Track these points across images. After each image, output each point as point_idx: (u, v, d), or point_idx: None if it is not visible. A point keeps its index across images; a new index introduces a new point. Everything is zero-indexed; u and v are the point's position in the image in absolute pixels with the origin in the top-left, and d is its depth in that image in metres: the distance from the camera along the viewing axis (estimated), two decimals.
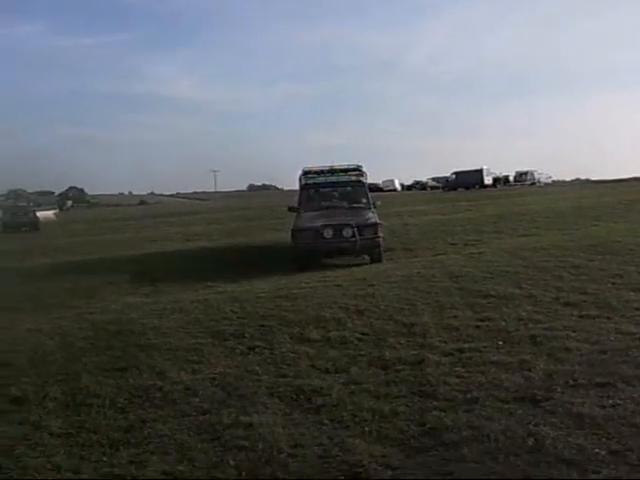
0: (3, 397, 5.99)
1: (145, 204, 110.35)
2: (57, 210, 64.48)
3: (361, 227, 14.14)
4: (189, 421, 5.24)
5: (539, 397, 5.08)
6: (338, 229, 14.07)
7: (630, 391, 5.03)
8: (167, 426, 5.16)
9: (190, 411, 5.46)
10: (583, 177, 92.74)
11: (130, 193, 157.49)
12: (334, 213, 15.14)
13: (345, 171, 16.41)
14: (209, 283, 12.13)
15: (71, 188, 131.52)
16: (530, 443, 4.23)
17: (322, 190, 16.44)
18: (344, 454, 4.34)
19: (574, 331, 6.98)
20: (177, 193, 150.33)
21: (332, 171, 16.44)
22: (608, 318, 7.48)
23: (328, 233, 14.02)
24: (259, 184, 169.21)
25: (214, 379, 6.20)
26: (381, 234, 14.18)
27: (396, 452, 4.34)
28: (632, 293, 8.73)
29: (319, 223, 14.26)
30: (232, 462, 4.39)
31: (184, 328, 8.15)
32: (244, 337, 7.59)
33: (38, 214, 42.99)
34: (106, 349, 7.40)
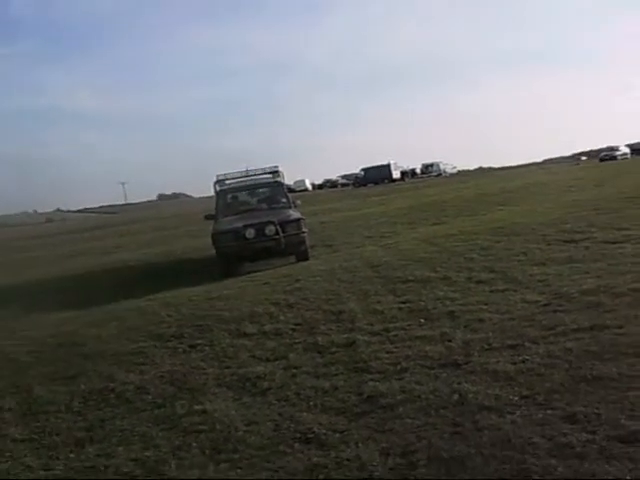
0: None
1: (52, 221, 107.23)
2: None
3: (284, 224, 13.72)
4: (146, 415, 5.62)
5: (460, 361, 5.74)
6: (260, 228, 13.57)
7: (536, 348, 5.77)
8: (126, 422, 5.53)
9: (145, 407, 5.84)
10: (485, 165, 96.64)
11: (35, 211, 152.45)
12: (254, 215, 14.78)
13: (261, 174, 16.41)
14: (136, 293, 12.36)
15: None
16: (455, 398, 4.88)
17: (239, 195, 16.32)
18: (295, 425, 4.86)
19: (486, 304, 7.72)
20: (85, 208, 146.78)
21: (247, 175, 16.40)
22: (515, 291, 8.27)
23: (250, 233, 13.47)
24: (169, 193, 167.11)
25: (162, 377, 6.59)
26: (305, 229, 13.94)
27: (341, 419, 4.89)
28: (535, 267, 9.59)
29: (240, 224, 13.78)
30: (194, 444, 4.83)
31: (124, 334, 8.46)
32: (184, 337, 7.98)
33: None
34: (51, 361, 7.64)
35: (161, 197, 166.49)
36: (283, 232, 13.55)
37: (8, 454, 5.12)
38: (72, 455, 4.97)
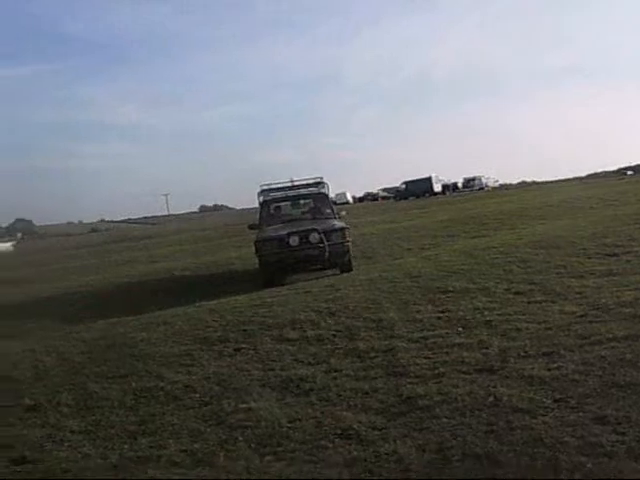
0: (18, 406, 6.58)
1: (96, 231, 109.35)
2: (15, 242, 63.88)
3: (328, 232, 13.64)
4: (194, 412, 5.93)
5: (496, 367, 5.94)
6: (304, 235, 13.48)
7: (571, 356, 5.93)
8: (175, 417, 5.84)
9: (193, 404, 6.15)
10: (529, 179, 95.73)
11: (80, 222, 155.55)
12: (298, 223, 14.72)
13: (306, 185, 16.24)
14: (182, 300, 12.74)
15: (18, 220, 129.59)
16: (490, 400, 5.09)
17: (283, 205, 16.37)
18: (336, 422, 5.11)
19: (523, 314, 7.89)
20: (128, 219, 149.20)
21: (292, 186, 16.27)
22: (553, 302, 8.41)
23: (294, 241, 13.38)
24: (210, 205, 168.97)
25: (209, 377, 6.89)
26: (349, 239, 13.82)
27: (379, 418, 5.13)
28: (574, 280, 9.71)
29: (284, 232, 13.73)
30: (241, 438, 5.11)
31: (171, 338, 8.82)
32: (229, 341, 8.30)
33: None
34: (103, 361, 8.03)
35: (203, 209, 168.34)
36: (327, 241, 13.42)
37: (67, 444, 5.46)
38: (126, 446, 5.29)
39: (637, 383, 5.01)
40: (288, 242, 13.41)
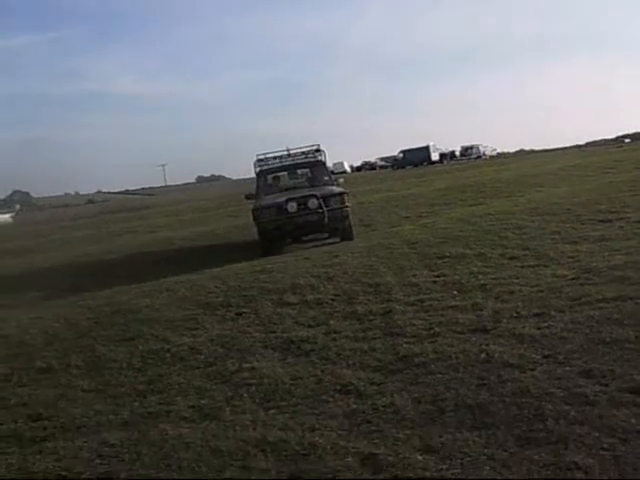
0: (31, 369, 6.84)
1: (93, 203, 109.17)
2: (14, 213, 64.00)
3: (327, 197, 13.56)
4: (199, 372, 6.18)
5: (489, 327, 6.19)
6: (303, 202, 13.41)
7: (561, 316, 6.18)
8: (182, 377, 6.10)
9: (198, 365, 6.40)
10: (527, 148, 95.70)
11: (77, 193, 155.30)
12: (296, 191, 14.67)
13: (303, 153, 16.08)
14: (183, 268, 12.98)
15: (16, 192, 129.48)
16: (482, 357, 5.34)
17: (280, 174, 16.22)
18: (336, 379, 5.37)
19: (517, 278, 8.12)
20: (125, 190, 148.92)
21: (289, 155, 16.09)
22: (545, 266, 8.65)
23: (292, 207, 13.30)
24: (207, 175, 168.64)
25: (212, 340, 7.15)
26: (349, 204, 13.74)
27: (377, 375, 5.38)
28: (567, 245, 9.93)
29: (282, 199, 13.68)
30: (245, 395, 5.37)
31: (175, 303, 9.06)
32: (231, 306, 8.54)
33: None
34: (110, 325, 8.28)
35: (199, 179, 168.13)
36: (326, 206, 13.33)
37: (80, 401, 5.73)
38: (136, 403, 5.55)
39: (622, 340, 5.25)
40: (286, 209, 13.33)
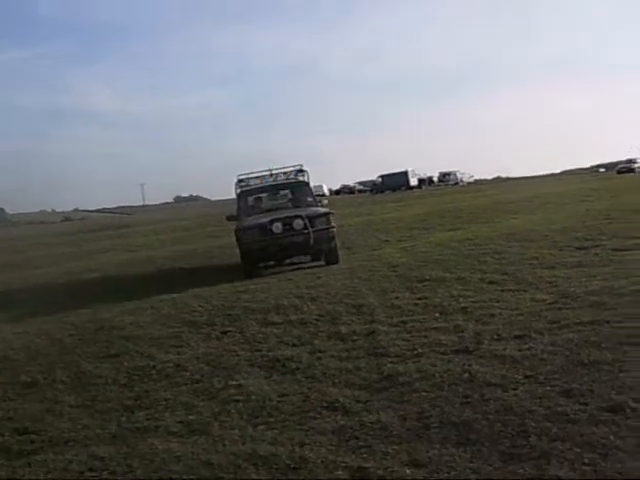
0: (16, 383, 6.87)
1: (70, 220, 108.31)
2: None
3: (312, 218, 13.12)
4: (186, 388, 6.25)
5: (470, 348, 6.33)
6: (288, 222, 12.99)
7: (540, 339, 6.35)
8: (168, 393, 6.15)
9: (184, 381, 6.47)
10: (504, 175, 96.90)
11: (53, 210, 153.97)
12: (280, 212, 14.22)
13: (285, 173, 15.54)
14: (165, 287, 13.01)
15: None
16: (465, 376, 5.48)
17: (262, 195, 15.78)
18: (322, 397, 5.47)
19: (497, 302, 8.30)
20: (103, 208, 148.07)
21: (271, 175, 15.50)
22: (525, 290, 8.84)
23: (277, 228, 12.84)
24: (186, 195, 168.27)
25: (198, 357, 7.22)
26: (334, 224, 13.38)
27: (363, 393, 5.50)
28: (546, 270, 10.15)
29: (266, 219, 13.22)
30: (233, 411, 5.45)
31: (159, 321, 9.14)
32: (215, 325, 8.63)
33: None
34: (94, 342, 8.33)
35: (177, 199, 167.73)
36: (312, 227, 12.92)
37: (67, 416, 5.77)
38: (123, 418, 5.59)
39: (600, 361, 5.43)
40: (271, 229, 12.89)
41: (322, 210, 13.81)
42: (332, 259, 13.20)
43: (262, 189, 15.67)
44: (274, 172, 15.52)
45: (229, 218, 15.20)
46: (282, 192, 16.18)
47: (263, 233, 12.93)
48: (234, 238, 13.93)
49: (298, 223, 12.94)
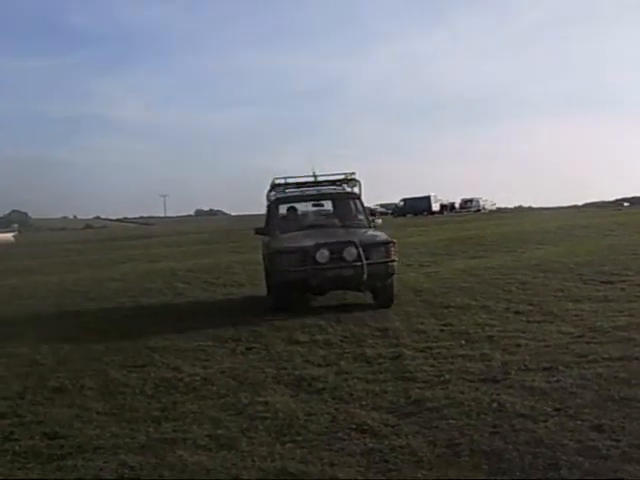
0: (44, 388, 6.95)
1: (91, 228, 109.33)
2: (16, 232, 64.12)
3: (368, 246, 10.35)
4: (213, 402, 6.28)
5: (498, 378, 6.34)
6: (337, 249, 10.23)
7: (569, 372, 6.35)
8: (195, 406, 6.19)
9: (211, 395, 6.50)
10: (526, 204, 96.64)
11: (75, 217, 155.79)
12: (326, 232, 11.31)
13: (332, 181, 12.69)
14: (187, 298, 13.14)
15: (14, 211, 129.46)
16: (494, 406, 5.49)
17: (301, 206, 12.87)
18: (350, 418, 5.49)
19: (523, 332, 8.30)
20: (124, 218, 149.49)
21: (315, 181, 12.71)
22: (551, 322, 8.84)
23: (323, 256, 10.12)
24: (206, 209, 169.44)
25: (224, 372, 7.27)
26: (395, 258, 10.53)
27: (391, 417, 5.51)
28: (571, 303, 10.14)
29: (309, 242, 10.35)
30: (261, 427, 5.48)
31: (184, 333, 9.21)
32: (241, 340, 8.69)
33: None
34: (120, 350, 8.40)
35: (198, 212, 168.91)
36: (367, 258, 10.19)
37: (95, 423, 5.81)
38: (151, 429, 5.63)
39: (630, 398, 5.42)
40: (314, 257, 10.14)
41: (381, 237, 10.94)
42: (385, 300, 10.59)
43: (302, 197, 12.75)
44: (319, 178, 12.75)
45: (258, 231, 12.38)
46: (327, 204, 13.04)
47: (304, 261, 10.21)
48: (262, 257, 12.35)
49: (350, 252, 10.20)
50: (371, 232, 11.38)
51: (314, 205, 12.96)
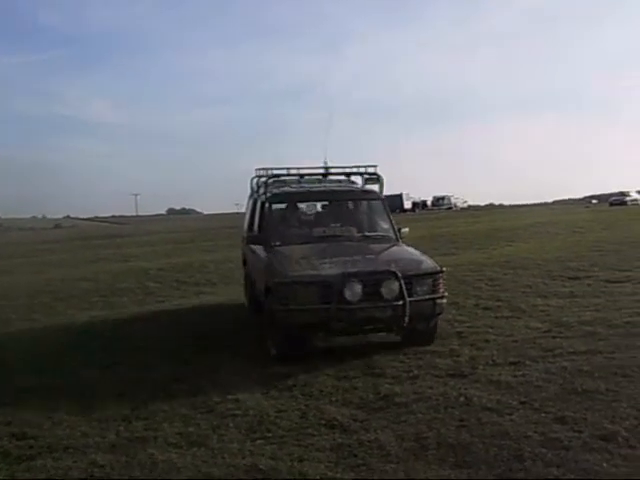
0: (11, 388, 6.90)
1: (60, 227, 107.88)
2: None
3: (411, 278, 7.31)
4: (184, 401, 6.25)
5: (466, 373, 6.45)
6: (372, 283, 7.17)
7: (535, 366, 6.49)
8: (166, 405, 6.17)
9: (182, 394, 6.45)
10: (497, 202, 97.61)
11: (44, 217, 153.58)
12: (347, 249, 8.15)
13: (347, 175, 9.82)
14: (158, 298, 13.08)
15: None
16: (461, 400, 5.60)
17: (306, 207, 9.64)
18: (320, 414, 5.55)
19: (491, 327, 8.44)
20: (95, 217, 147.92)
21: (326, 172, 9.60)
22: (519, 318, 8.99)
23: (354, 292, 7.08)
24: (178, 208, 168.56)
25: (195, 370, 7.28)
26: (445, 293, 7.64)
27: (360, 412, 5.58)
28: (539, 299, 10.32)
29: (332, 270, 7.30)
30: (231, 424, 5.51)
31: (158, 332, 9.22)
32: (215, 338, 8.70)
33: None
34: (90, 350, 8.38)
35: (170, 211, 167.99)
36: (410, 295, 7.21)
37: (65, 424, 5.79)
38: (121, 428, 5.63)
39: (593, 391, 5.57)
40: (342, 292, 7.06)
41: (427, 264, 7.83)
42: (423, 342, 7.78)
43: (308, 195, 9.53)
44: (331, 169, 9.62)
45: (251, 241, 9.38)
46: (339, 205, 9.56)
47: (326, 296, 7.12)
48: (242, 260, 10.72)
49: (390, 288, 7.17)
50: (409, 253, 8.29)
51: (324, 207, 9.78)
